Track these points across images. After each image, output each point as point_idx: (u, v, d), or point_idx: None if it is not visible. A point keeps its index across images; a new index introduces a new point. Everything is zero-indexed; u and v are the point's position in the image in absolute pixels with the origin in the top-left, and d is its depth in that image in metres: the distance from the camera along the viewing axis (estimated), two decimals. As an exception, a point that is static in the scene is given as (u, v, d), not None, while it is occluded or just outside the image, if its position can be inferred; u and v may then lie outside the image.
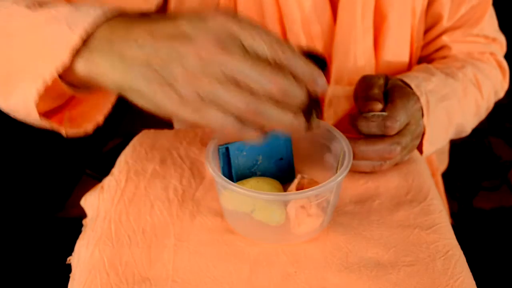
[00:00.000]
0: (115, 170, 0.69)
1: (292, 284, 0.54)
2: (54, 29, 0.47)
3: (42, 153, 1.58)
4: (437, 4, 0.80)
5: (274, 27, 0.77)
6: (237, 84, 0.42)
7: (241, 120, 0.44)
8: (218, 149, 0.60)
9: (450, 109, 0.74)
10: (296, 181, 0.58)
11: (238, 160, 0.61)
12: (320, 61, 0.50)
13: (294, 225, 0.56)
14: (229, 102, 0.42)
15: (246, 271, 0.55)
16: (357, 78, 0.78)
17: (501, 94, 0.87)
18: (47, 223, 1.50)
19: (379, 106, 0.63)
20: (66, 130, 0.57)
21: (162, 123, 0.84)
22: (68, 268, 0.60)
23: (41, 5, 0.50)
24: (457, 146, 0.76)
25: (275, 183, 0.60)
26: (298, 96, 0.44)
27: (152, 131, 0.76)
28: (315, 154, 0.65)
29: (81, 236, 0.62)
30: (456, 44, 0.82)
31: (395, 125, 0.62)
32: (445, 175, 1.02)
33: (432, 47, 0.85)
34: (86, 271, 0.55)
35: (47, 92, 0.49)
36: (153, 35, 0.43)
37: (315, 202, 0.55)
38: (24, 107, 0.50)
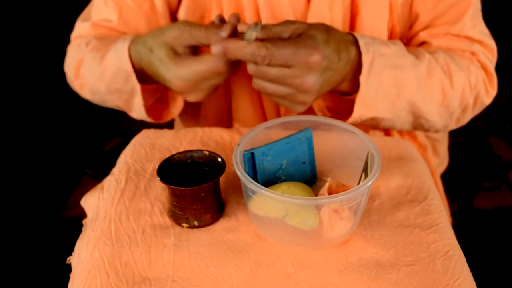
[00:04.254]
0: (115, 170, 0.69)
1: (292, 284, 0.54)
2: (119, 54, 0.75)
3: (42, 153, 1.58)
4: (415, 2, 0.79)
5: (251, 18, 0.78)
6: None
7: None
8: (244, 154, 0.60)
9: (401, 80, 0.71)
10: (327, 185, 0.57)
11: (263, 165, 0.61)
12: (218, 164, 0.60)
13: (327, 229, 0.55)
14: None
15: (246, 271, 0.55)
16: None
17: (486, 100, 0.81)
18: (47, 223, 1.50)
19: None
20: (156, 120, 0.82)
21: (161, 123, 0.84)
22: (68, 268, 0.60)
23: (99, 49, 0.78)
24: (457, 146, 0.75)
25: (306, 188, 0.59)
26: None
27: (152, 131, 0.76)
28: (336, 156, 0.65)
29: (81, 236, 0.62)
30: (435, 39, 0.80)
31: (263, 53, 0.61)
32: (445, 175, 1.02)
33: (412, 44, 0.83)
34: (86, 271, 0.55)
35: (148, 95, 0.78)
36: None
37: (347, 206, 0.55)
38: (140, 111, 0.78)
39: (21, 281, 1.34)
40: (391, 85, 0.70)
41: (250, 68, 0.64)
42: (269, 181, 0.62)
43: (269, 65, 0.62)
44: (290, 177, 0.63)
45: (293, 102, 0.67)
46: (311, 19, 0.77)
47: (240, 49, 0.62)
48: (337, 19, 0.77)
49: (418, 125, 0.78)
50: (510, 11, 1.65)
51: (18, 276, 1.34)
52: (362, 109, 0.70)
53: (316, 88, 0.64)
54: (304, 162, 0.64)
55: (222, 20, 0.69)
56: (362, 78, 0.68)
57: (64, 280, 0.58)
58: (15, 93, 1.49)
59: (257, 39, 0.61)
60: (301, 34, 0.64)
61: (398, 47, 0.72)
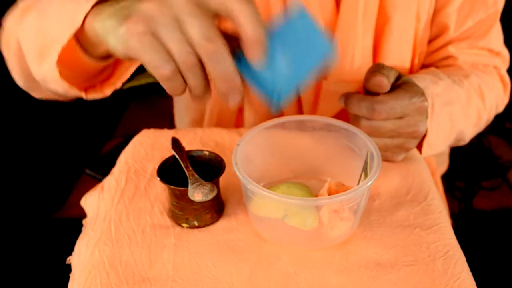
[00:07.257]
0: (115, 170, 0.69)
1: (292, 284, 0.54)
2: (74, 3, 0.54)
3: (42, 153, 1.58)
4: (443, 14, 0.79)
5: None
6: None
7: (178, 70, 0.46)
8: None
9: (454, 114, 0.73)
10: (326, 185, 0.57)
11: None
12: (218, 164, 0.60)
13: (327, 229, 0.55)
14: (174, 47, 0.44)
15: (246, 271, 0.55)
16: (352, 76, 0.78)
17: (501, 108, 0.86)
18: (47, 223, 1.50)
19: (385, 81, 0.62)
20: (87, 95, 0.63)
21: (162, 123, 0.84)
22: (68, 268, 0.60)
23: None
24: (457, 147, 0.75)
25: (306, 188, 0.59)
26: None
27: (152, 131, 0.76)
28: (336, 156, 0.65)
29: (81, 236, 0.62)
30: (462, 55, 0.82)
31: (382, 108, 0.61)
32: (445, 175, 1.02)
33: (437, 56, 0.85)
34: (86, 271, 0.55)
35: (70, 64, 0.57)
36: None
37: (347, 206, 0.55)
38: (51, 72, 0.56)
39: (21, 281, 1.34)
40: (446, 121, 0.72)
41: (363, 124, 0.63)
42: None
43: (385, 119, 0.62)
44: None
45: (400, 151, 0.67)
46: (341, 27, 0.76)
47: (357, 102, 0.62)
48: (369, 27, 0.76)
49: (454, 145, 0.81)
50: (510, 12, 1.65)
51: (18, 276, 1.34)
52: (428, 150, 0.71)
53: (424, 132, 0.65)
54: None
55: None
56: (428, 123, 0.68)
57: (64, 280, 0.58)
58: (15, 92, 1.49)
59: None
60: (400, 80, 0.65)
61: (444, 82, 0.73)
